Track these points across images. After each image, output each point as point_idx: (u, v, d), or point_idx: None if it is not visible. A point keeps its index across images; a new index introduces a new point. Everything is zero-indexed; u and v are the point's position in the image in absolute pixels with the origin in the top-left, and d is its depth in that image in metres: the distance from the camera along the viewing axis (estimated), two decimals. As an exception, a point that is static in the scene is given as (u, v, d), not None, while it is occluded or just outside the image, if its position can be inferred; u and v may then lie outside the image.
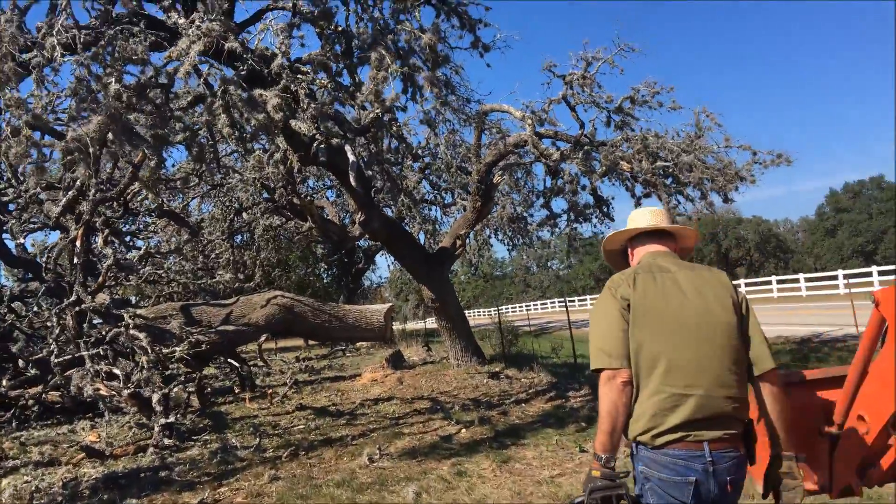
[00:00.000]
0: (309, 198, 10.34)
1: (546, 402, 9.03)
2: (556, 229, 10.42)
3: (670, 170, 9.20)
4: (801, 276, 33.08)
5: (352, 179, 6.57)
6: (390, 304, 14.17)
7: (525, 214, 19.65)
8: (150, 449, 7.75)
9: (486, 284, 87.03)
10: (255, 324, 12.95)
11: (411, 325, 34.70)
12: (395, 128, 7.04)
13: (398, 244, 12.09)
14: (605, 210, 10.39)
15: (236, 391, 13.57)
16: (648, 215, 2.61)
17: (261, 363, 17.42)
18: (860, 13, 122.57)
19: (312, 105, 6.05)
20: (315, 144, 6.11)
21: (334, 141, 6.08)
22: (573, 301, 60.47)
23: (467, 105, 8.50)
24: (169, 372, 10.40)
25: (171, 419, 8.33)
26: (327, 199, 21.32)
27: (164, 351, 9.00)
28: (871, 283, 27.31)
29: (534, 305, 65.55)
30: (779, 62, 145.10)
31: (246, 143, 5.88)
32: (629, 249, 2.66)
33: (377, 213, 11.52)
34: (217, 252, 18.22)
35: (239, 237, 23.24)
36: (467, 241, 22.36)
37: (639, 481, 2.28)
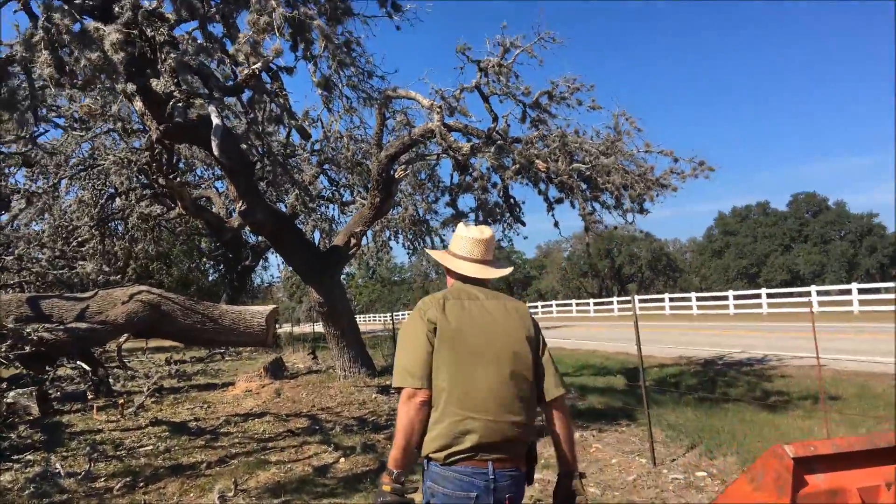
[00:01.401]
0: (179, 180, 8.88)
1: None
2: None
3: (588, 173, 8.43)
4: (693, 294, 33.78)
5: (215, 148, 5.33)
6: (274, 306, 12.81)
7: (427, 217, 18.71)
8: (-53, 474, 6.16)
9: (384, 289, 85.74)
10: (113, 322, 11.29)
11: (300, 329, 32.98)
12: (276, 89, 5.80)
13: (285, 240, 10.80)
14: (516, 213, 9.52)
15: (89, 397, 11.84)
16: (475, 250, 2.61)
17: (127, 365, 15.64)
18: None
19: (172, 55, 4.77)
20: (171, 103, 4.85)
21: (197, 101, 4.83)
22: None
23: (368, 82, 7.40)
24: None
25: (-22, 438, 6.74)
26: (216, 189, 19.60)
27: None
28: (759, 305, 28.09)
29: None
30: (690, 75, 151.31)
31: (82, 88, 4.50)
32: (446, 271, 2.69)
33: (261, 204, 10.20)
34: (80, 239, 16.15)
35: (113, 225, 21.11)
36: (364, 241, 21.18)
37: (426, 496, 2.36)
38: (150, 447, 7.22)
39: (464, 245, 2.62)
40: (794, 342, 14.57)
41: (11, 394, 10.28)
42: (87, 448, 7.21)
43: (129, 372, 14.79)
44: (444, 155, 9.67)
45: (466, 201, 24.91)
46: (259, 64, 4.76)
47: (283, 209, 21.46)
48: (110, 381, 13.92)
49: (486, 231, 2.66)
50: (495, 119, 8.74)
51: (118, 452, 7.07)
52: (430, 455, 2.31)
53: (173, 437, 7.76)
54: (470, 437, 2.25)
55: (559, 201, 9.61)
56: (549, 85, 9.01)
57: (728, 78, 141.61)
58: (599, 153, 8.85)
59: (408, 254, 20.10)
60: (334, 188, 21.69)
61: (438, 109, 8.77)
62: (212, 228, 12.61)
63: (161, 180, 7.82)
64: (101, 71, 4.15)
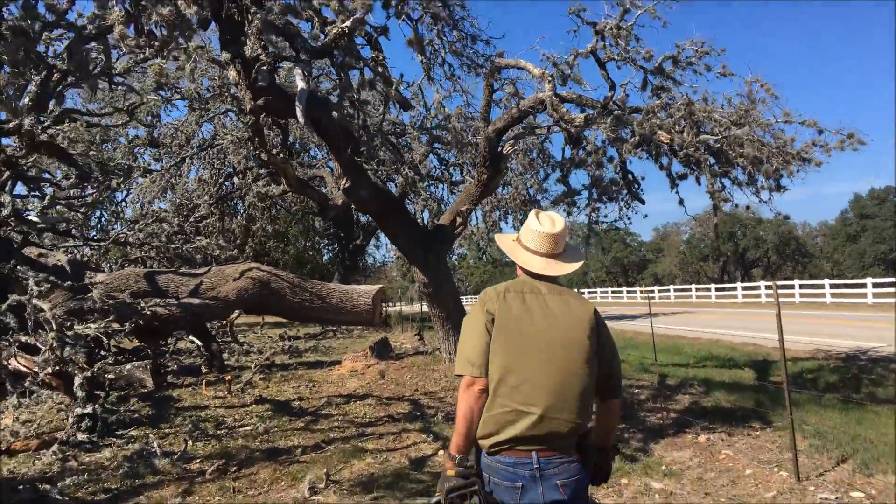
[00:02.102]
0: (283, 156, 8.72)
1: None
2: (574, 209, 8.76)
3: (717, 145, 7.53)
4: (826, 281, 31.22)
5: (299, 115, 5.00)
6: (380, 286, 12.61)
7: (538, 198, 17.99)
8: (55, 447, 6.25)
9: (495, 270, 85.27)
10: (224, 298, 11.45)
11: (410, 308, 33.10)
12: (373, 55, 5.37)
13: (391, 219, 10.49)
14: (634, 190, 8.72)
15: (203, 371, 12.12)
16: (544, 244, 2.58)
17: (240, 340, 16.02)
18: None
19: (258, 14, 4.44)
20: (256, 67, 4.53)
21: (284, 65, 4.48)
22: (583, 293, 58.82)
23: (472, 47, 6.85)
24: (106, 350, 8.95)
25: (89, 409, 6.81)
26: (329, 169, 19.73)
27: (77, 328, 7.41)
28: (903, 294, 25.50)
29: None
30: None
31: (159, 50, 4.24)
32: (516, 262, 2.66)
33: (366, 181, 9.93)
34: (198, 215, 16.63)
35: (232, 203, 21.76)
36: (474, 221, 20.73)
37: (484, 481, 2.37)
38: (250, 427, 7.10)
39: (533, 239, 2.59)
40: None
41: (128, 366, 10.59)
42: (189, 426, 7.20)
43: (244, 347, 15.12)
44: (555, 128, 9.01)
45: (579, 178, 23.67)
46: (349, 22, 4.35)
47: (394, 189, 21.43)
48: (224, 356, 14.30)
49: (557, 224, 2.62)
50: (612, 87, 7.98)
51: (218, 431, 7.00)
52: (479, 441, 2.38)
53: (274, 418, 7.64)
54: (514, 429, 2.29)
55: (682, 177, 8.73)
56: (673, 49, 8.13)
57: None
58: (731, 123, 7.92)
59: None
60: (444, 167, 21.39)
61: (550, 78, 8.12)
62: (317, 206, 12.46)
63: (263, 155, 7.63)
64: (174, 28, 3.87)
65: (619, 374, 2.58)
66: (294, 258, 30.17)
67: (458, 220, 10.55)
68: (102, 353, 8.26)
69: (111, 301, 10.70)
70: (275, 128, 15.54)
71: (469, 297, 63.45)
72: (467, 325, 2.48)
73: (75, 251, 14.44)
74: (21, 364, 8.49)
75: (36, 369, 8.61)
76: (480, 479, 2.37)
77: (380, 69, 5.59)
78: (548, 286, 2.52)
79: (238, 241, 22.15)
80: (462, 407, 2.36)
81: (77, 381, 7.07)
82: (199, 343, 12.28)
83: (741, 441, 6.02)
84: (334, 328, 20.22)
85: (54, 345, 7.07)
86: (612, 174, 8.44)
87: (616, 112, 7.56)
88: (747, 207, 8.16)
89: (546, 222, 2.61)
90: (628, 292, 53.01)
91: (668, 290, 45.80)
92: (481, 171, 9.92)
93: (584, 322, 2.43)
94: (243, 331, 22.80)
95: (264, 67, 4.58)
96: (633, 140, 7.43)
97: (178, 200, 18.97)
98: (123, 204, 23.38)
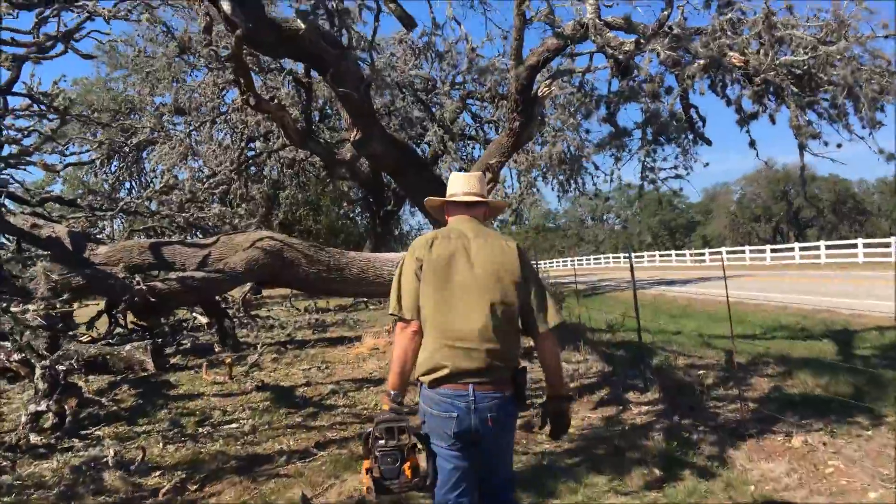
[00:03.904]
0: (279, 102, 7.46)
1: (594, 408, 6.13)
2: (625, 153, 7.25)
3: (804, 66, 6.02)
4: (892, 239, 28.89)
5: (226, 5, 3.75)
6: (404, 253, 11.42)
7: (579, 154, 16.42)
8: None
9: (537, 236, 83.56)
10: (231, 269, 10.33)
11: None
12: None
13: (409, 176, 9.20)
14: (698, 129, 7.21)
15: (217, 350, 11.14)
16: (465, 185, 2.84)
17: (263, 315, 15.04)
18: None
19: None
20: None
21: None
22: (628, 258, 56.73)
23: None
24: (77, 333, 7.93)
25: (44, 406, 5.75)
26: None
27: (31, 308, 6.34)
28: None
29: (586, 260, 62.28)
30: None
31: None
32: (445, 210, 2.90)
33: (379, 132, 8.65)
34: (214, 181, 15.54)
35: (254, 170, 20.71)
36: (507, 183, 19.20)
37: (421, 413, 2.59)
38: (237, 425, 5.96)
39: (455, 182, 2.90)
40: None
41: (127, 347, 9.62)
42: (168, 423, 6.12)
43: (267, 321, 14.13)
44: (598, 62, 7.56)
45: (630, 114, 21.58)
46: None
47: (425, 153, 20.05)
48: (244, 331, 13.31)
49: (473, 171, 3.13)
50: (669, 3, 6.48)
51: (199, 430, 5.89)
52: (420, 378, 2.57)
53: (270, 410, 6.53)
54: (450, 363, 2.47)
55: (753, 116, 7.18)
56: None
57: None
58: (818, 42, 6.36)
59: (557, 197, 18.04)
60: (478, 125, 19.93)
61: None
62: (324, 162, 11.16)
63: (251, 101, 6.39)
64: None
65: (546, 306, 2.65)
66: (327, 227, 29.13)
67: (489, 175, 9.20)
68: (71, 334, 7.26)
69: (101, 276, 9.72)
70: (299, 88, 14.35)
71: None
72: (400, 271, 2.65)
73: (86, 221, 13.48)
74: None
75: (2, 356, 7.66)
76: (421, 412, 2.57)
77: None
78: (474, 230, 2.70)
79: (262, 209, 21.15)
80: (396, 348, 2.59)
81: (37, 372, 6.03)
82: (205, 319, 11.27)
83: (849, 445, 4.60)
84: (365, 300, 19.13)
85: (7, 329, 6.03)
86: (667, 110, 6.89)
87: (674, 32, 6.08)
88: (839, 146, 6.60)
89: (465, 174, 2.96)
90: (677, 255, 50.85)
91: (720, 253, 43.57)
92: (512, 118, 8.52)
93: (508, 260, 2.62)
94: (277, 302, 21.97)
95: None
96: (697, 65, 5.94)
97: (197, 166, 18.02)
98: (153, 174, 22.66)
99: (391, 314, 2.63)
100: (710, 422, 5.27)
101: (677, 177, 7.26)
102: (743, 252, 41.07)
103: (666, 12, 6.50)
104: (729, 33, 6.26)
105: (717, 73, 6.05)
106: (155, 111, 21.23)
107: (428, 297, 2.54)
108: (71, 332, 10.96)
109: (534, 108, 8.47)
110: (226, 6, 5.76)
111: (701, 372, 7.09)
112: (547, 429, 2.76)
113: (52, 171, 12.81)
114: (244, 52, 6.62)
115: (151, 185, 19.06)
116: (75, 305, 11.18)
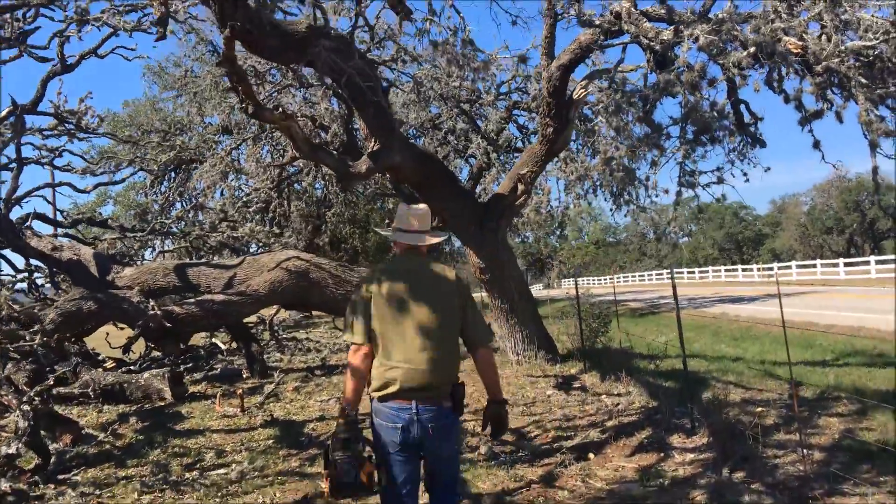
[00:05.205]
0: (283, 111, 6.88)
1: (630, 454, 5.26)
2: (663, 154, 6.35)
3: (876, 52, 5.10)
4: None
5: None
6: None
7: (633, 165, 15.40)
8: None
9: (598, 251, 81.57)
10: (253, 292, 9.85)
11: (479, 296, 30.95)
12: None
13: (436, 189, 8.53)
14: (747, 127, 6.27)
15: (245, 376, 10.66)
16: (411, 220, 3.06)
17: (294, 338, 14.55)
18: None
19: None
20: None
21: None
22: (693, 273, 54.64)
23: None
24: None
25: (13, 449, 5.24)
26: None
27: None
28: None
29: (647, 276, 60.34)
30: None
31: None
32: (392, 242, 3.16)
33: (400, 142, 8.02)
34: (244, 200, 15.19)
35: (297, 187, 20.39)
36: (554, 194, 18.22)
37: (371, 424, 2.86)
38: (224, 471, 5.33)
39: (401, 217, 3.10)
40: None
41: (146, 375, 9.18)
42: (155, 467, 5.53)
43: (304, 343, 13.65)
44: (634, 59, 6.74)
45: (667, 109, 20.27)
46: None
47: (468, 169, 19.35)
48: (278, 355, 12.83)
49: (421, 207, 3.20)
50: (715, -13, 5.65)
51: (186, 475, 5.28)
52: (372, 393, 2.84)
53: (271, 451, 5.92)
54: (396, 381, 2.75)
55: (817, 115, 6.23)
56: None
57: None
58: (891, 25, 5.41)
59: (610, 209, 17.00)
60: (524, 137, 19.14)
61: (628, -14, 5.90)
62: (335, 175, 10.62)
63: (250, 109, 5.83)
64: None
65: (482, 326, 3.05)
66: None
67: (520, 186, 8.45)
68: (58, 367, 6.80)
69: (113, 300, 9.33)
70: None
71: (566, 279, 60.59)
72: (353, 300, 2.94)
73: (120, 243, 13.27)
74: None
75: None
76: (372, 423, 2.83)
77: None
78: (418, 260, 3.05)
79: (309, 227, 20.82)
80: (351, 368, 2.83)
81: (21, 408, 5.53)
82: (222, 346, 10.79)
83: (945, 515, 3.64)
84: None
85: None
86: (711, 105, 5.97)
87: (721, 14, 5.25)
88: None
89: (412, 208, 3.18)
90: (744, 270, 48.53)
91: (790, 267, 41.33)
92: (545, 123, 7.81)
93: (447, 287, 2.95)
94: (326, 322, 21.57)
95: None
96: (745, 53, 5.07)
97: (237, 185, 17.78)
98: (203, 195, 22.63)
99: (344, 340, 2.91)
100: (766, 478, 4.34)
101: (720, 181, 6.33)
102: (814, 266, 38.80)
103: (710, -2, 5.67)
104: (784, 15, 5.37)
105: (771, 61, 5.15)
106: (203, 130, 21.22)
107: (378, 324, 2.81)
108: (99, 358, 10.68)
109: (568, 111, 7.73)
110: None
111: (759, 409, 6.11)
112: (488, 430, 3.07)
113: (82, 192, 12.71)
114: (245, 57, 6.05)
115: (183, 205, 18.94)
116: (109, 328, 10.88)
